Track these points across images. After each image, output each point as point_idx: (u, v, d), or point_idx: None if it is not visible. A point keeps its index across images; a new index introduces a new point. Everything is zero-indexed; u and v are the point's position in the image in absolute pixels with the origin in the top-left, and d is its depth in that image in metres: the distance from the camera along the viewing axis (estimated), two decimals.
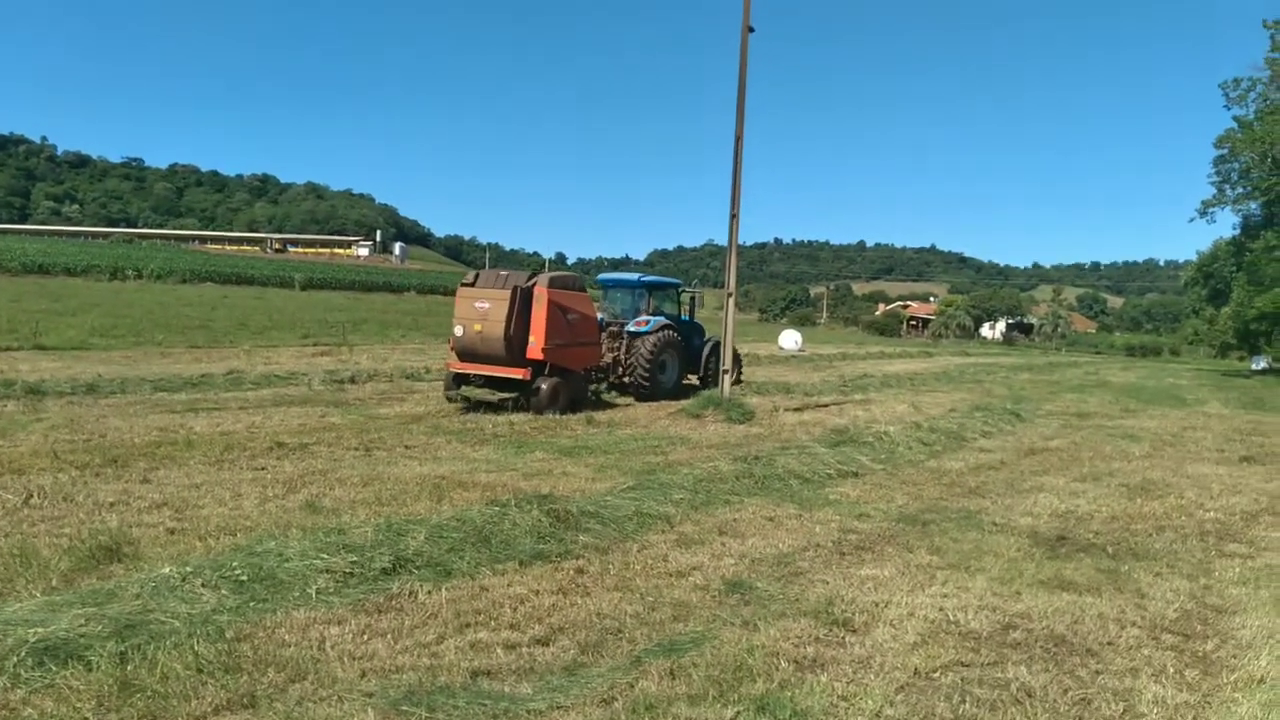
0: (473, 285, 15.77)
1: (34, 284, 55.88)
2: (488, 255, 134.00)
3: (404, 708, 4.20)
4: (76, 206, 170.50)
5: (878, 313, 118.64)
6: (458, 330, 15.46)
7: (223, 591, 5.52)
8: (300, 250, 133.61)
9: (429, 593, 5.84)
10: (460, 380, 15.98)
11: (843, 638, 5.42)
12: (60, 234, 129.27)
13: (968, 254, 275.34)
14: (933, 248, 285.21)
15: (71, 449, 10.43)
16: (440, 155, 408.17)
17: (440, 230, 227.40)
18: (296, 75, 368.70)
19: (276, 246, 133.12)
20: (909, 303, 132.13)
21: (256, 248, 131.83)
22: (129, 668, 4.42)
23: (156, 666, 4.43)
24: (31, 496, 8.08)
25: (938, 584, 6.64)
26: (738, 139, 16.64)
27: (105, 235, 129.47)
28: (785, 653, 5.10)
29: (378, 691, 4.38)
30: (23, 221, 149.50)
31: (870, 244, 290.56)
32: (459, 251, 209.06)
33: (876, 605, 6.05)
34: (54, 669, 4.38)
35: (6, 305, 36.82)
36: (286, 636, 5.03)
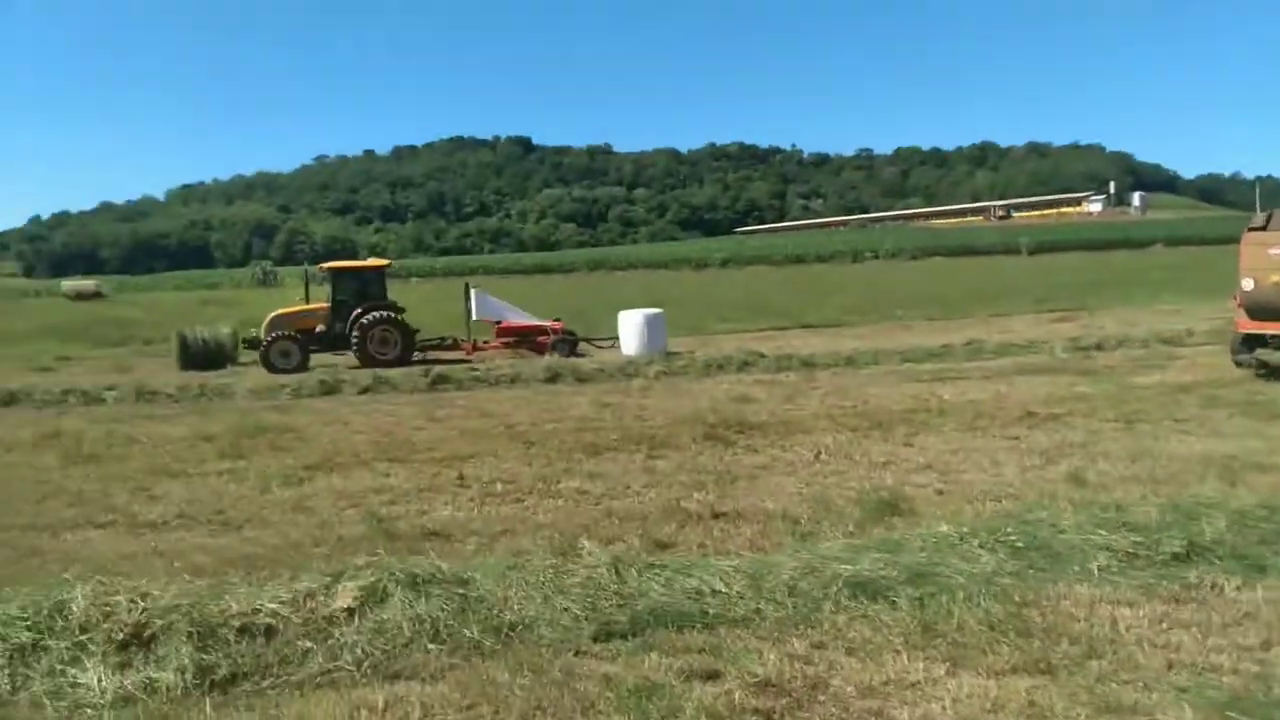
0: (1264, 229, 13.21)
1: (795, 272, 66.03)
2: (1258, 191, 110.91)
3: (1229, 714, 3.66)
4: (820, 201, 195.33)
5: None
6: (1247, 284, 13.10)
7: (1000, 555, 5.60)
8: (1025, 214, 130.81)
9: (1238, 589, 5.03)
10: (1253, 342, 13.49)
11: None
12: (810, 227, 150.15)
13: None
14: None
15: (842, 413, 11.89)
16: (1184, 85, 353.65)
17: (1189, 171, 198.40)
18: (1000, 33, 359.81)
19: (1000, 213, 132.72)
20: None
21: (980, 217, 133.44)
22: (928, 612, 4.78)
23: (952, 616, 4.70)
24: (820, 453, 9.45)
25: None
26: None
27: (844, 223, 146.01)
28: None
29: (1192, 688, 3.91)
30: (781, 220, 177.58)
31: None
32: (1215, 192, 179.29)
33: None
34: (865, 602, 4.98)
35: (778, 292, 44.21)
36: (1073, 610, 4.86)
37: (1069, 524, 5.93)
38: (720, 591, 5.15)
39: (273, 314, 21.24)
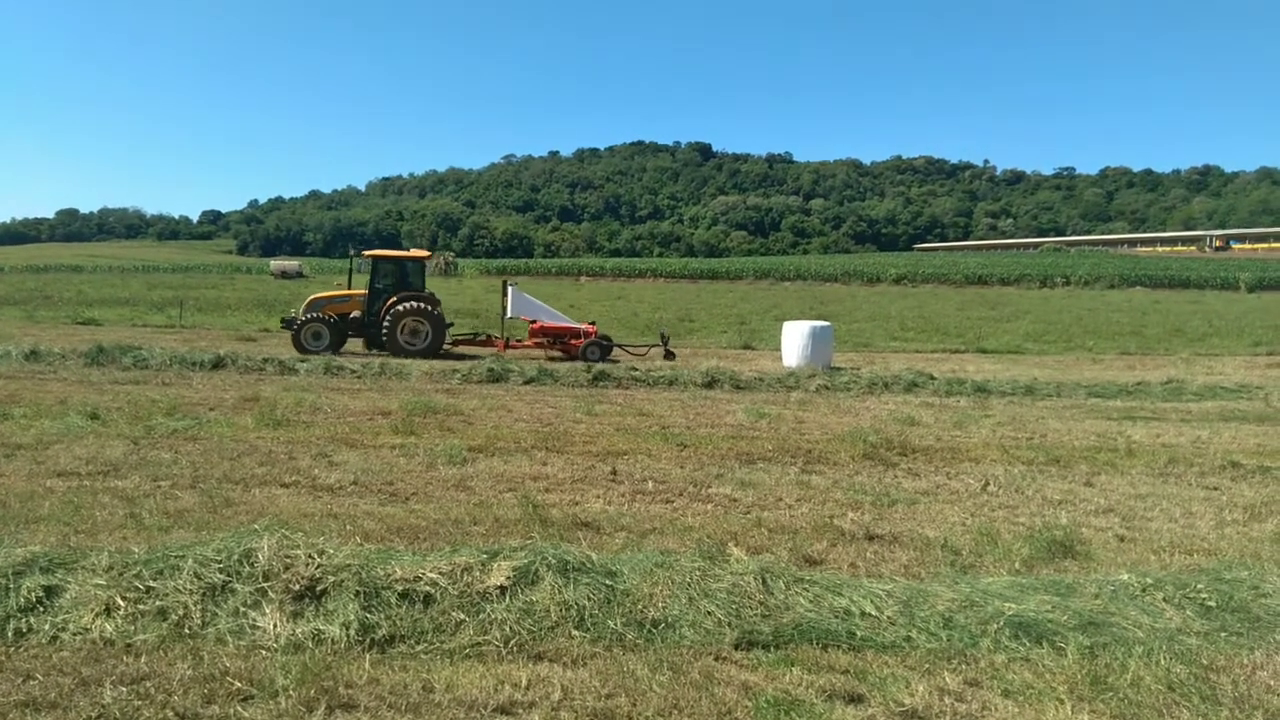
0: None
1: (974, 294, 62.90)
2: None
3: None
4: (1010, 220, 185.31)
5: None
6: None
7: (1188, 612, 5.12)
8: (1246, 246, 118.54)
9: None
10: None
11: None
12: (996, 247, 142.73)
13: None
14: None
15: (1015, 445, 11.18)
16: None
17: None
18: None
19: (1217, 244, 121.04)
20: None
21: (1192, 247, 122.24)
22: (1098, 664, 4.43)
23: (1127, 671, 4.33)
24: (988, 484, 8.92)
25: None
26: None
27: (1035, 245, 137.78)
28: None
29: None
30: (965, 238, 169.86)
31: None
32: None
33: None
34: (1027, 645, 4.68)
35: (954, 313, 42.25)
36: (1271, 682, 4.37)
37: (1273, 587, 5.34)
38: (870, 614, 4.97)
39: (311, 296, 21.82)
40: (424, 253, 23.12)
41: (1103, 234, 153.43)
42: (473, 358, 19.65)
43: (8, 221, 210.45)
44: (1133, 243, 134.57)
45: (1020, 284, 72.47)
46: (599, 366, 17.71)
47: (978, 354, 25.28)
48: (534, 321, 21.81)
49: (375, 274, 21.42)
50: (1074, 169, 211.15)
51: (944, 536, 6.95)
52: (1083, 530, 7.21)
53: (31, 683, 4.09)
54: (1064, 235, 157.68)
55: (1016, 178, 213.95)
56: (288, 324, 21.19)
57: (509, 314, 21.84)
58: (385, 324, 20.35)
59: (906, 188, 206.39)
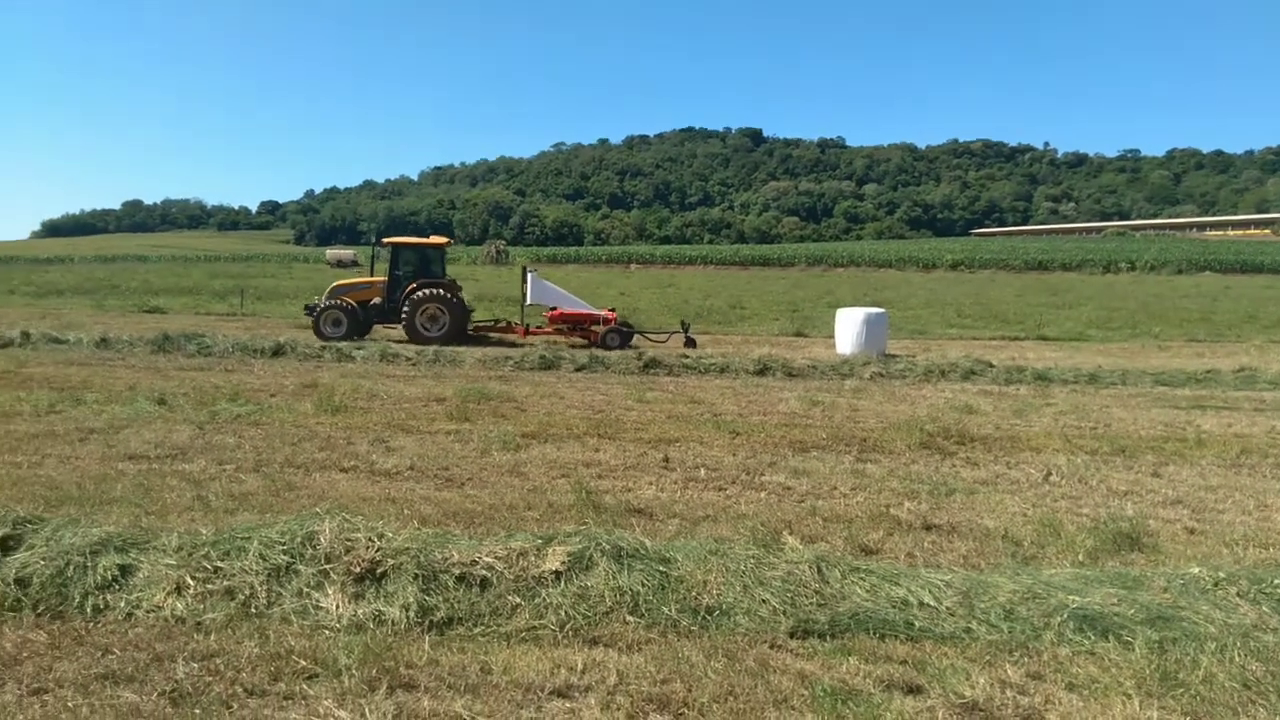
0: None
1: (1034, 279, 61.47)
2: None
3: None
4: (1072, 205, 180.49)
5: None
6: None
7: (1264, 608, 4.94)
8: None
9: None
10: None
11: None
12: (1057, 232, 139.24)
13: None
14: None
15: (1079, 434, 10.91)
16: None
17: None
18: None
19: None
20: None
21: (1266, 230, 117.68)
22: (1168, 659, 4.30)
23: (1199, 667, 4.20)
24: (1050, 474, 8.72)
25: None
26: None
27: (1098, 230, 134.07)
28: None
29: None
30: (1024, 223, 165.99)
31: None
32: None
33: None
34: (1092, 638, 4.56)
35: (1013, 299, 41.31)
36: None
37: None
38: (928, 605, 4.90)
39: (334, 283, 22.08)
40: (443, 239, 23.15)
41: (1169, 218, 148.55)
42: (524, 345, 19.79)
43: (77, 213, 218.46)
44: (1201, 226, 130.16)
45: (1082, 269, 70.59)
46: (650, 353, 17.70)
47: (1038, 341, 24.69)
48: (553, 308, 21.81)
49: (395, 261, 21.60)
50: (1139, 151, 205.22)
51: (1004, 527, 6.82)
52: (1150, 522, 7.01)
53: (110, 657, 4.25)
54: (1128, 219, 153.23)
55: (1078, 160, 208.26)
56: (309, 310, 21.53)
57: (529, 301, 21.81)
58: (405, 310, 20.51)
59: (963, 172, 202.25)
